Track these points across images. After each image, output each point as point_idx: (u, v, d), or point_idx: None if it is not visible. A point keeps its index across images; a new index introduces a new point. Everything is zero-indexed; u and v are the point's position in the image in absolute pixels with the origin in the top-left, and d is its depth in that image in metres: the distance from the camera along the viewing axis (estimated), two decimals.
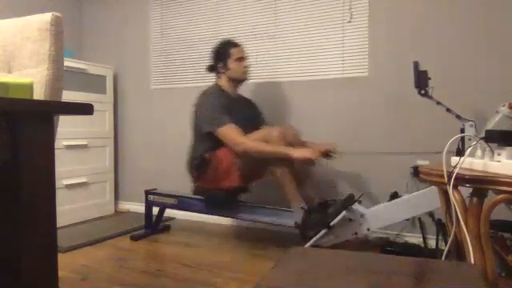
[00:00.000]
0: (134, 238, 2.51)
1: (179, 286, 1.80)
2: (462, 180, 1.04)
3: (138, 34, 3.26)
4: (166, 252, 2.32)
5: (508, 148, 1.05)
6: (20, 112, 0.79)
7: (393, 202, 2.02)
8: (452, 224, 1.12)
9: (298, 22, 2.66)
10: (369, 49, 2.47)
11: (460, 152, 1.76)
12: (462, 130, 1.87)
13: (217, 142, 2.22)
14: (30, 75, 1.15)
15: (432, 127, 2.28)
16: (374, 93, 2.46)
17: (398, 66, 2.36)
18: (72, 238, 2.44)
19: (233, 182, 2.20)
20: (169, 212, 2.78)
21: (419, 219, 2.17)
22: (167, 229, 2.75)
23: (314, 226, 2.03)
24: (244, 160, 2.17)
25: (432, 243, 2.12)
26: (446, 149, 1.13)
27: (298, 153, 2.09)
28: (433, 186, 1.73)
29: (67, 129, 2.78)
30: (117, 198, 3.35)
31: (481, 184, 1.01)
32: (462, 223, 1.04)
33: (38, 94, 1.14)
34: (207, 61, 2.53)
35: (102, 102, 3.13)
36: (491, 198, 0.99)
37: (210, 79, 2.57)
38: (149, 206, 2.67)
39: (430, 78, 1.92)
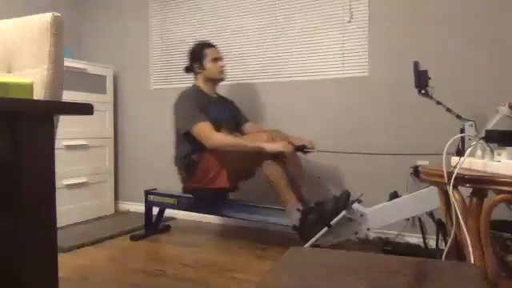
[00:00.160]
0: (134, 238, 2.51)
1: (179, 286, 1.80)
2: (461, 180, 1.04)
3: (138, 34, 3.26)
4: (166, 252, 2.32)
5: (508, 148, 1.05)
6: (20, 112, 0.79)
7: (393, 201, 2.02)
8: (452, 224, 1.12)
9: (298, 22, 2.66)
10: (369, 49, 2.47)
11: (460, 152, 1.76)
12: (462, 130, 1.87)
13: (198, 142, 2.22)
14: (30, 75, 1.15)
15: (432, 127, 2.29)
16: (374, 93, 2.46)
17: (398, 66, 2.36)
18: (72, 238, 2.44)
19: (221, 183, 2.22)
20: (169, 212, 2.78)
21: (419, 219, 2.16)
22: (167, 229, 2.75)
23: (314, 226, 2.03)
24: (231, 160, 2.17)
25: (432, 243, 2.12)
26: (446, 149, 1.13)
27: (270, 146, 2.09)
28: (433, 186, 1.73)
29: (67, 129, 2.77)
30: (117, 198, 3.35)
31: (481, 184, 1.01)
32: (462, 223, 1.04)
33: (38, 94, 1.13)
34: None
35: (102, 102, 3.13)
36: (491, 197, 0.99)
37: None
38: (149, 206, 2.67)
39: (430, 78, 1.92)
